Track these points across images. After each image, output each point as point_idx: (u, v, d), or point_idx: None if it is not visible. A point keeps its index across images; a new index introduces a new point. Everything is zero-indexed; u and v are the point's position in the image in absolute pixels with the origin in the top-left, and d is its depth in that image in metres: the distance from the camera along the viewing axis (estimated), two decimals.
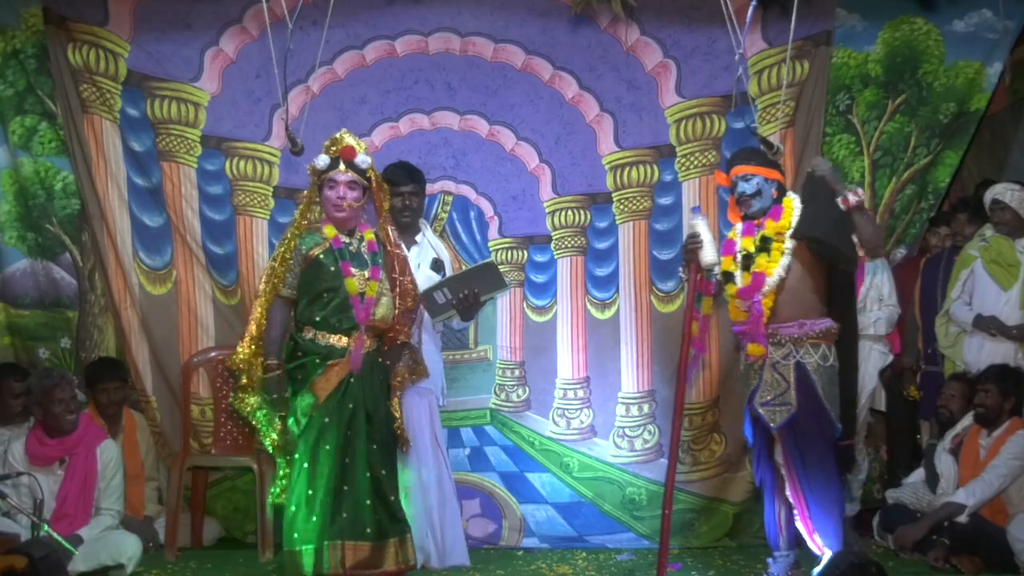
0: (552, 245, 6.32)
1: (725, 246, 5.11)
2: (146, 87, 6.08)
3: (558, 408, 6.28)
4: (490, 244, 6.32)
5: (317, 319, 4.77)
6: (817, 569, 4.91)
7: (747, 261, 4.99)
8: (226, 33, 6.09)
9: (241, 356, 4.86)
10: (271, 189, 6.25)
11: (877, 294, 6.23)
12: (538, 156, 6.26)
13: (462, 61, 6.15)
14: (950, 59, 6.10)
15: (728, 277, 5.05)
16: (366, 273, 4.80)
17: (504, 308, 6.34)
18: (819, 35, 6.02)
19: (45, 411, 5.29)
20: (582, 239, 6.31)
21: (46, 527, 5.01)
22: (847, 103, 6.18)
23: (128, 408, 6.11)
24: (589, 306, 6.30)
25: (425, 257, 5.47)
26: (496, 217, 6.31)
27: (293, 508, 4.69)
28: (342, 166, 4.82)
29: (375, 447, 4.77)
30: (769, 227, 4.95)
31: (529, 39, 6.12)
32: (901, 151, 6.20)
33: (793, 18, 5.26)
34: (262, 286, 4.86)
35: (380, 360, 4.88)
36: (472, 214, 6.32)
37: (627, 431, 6.24)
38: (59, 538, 5.00)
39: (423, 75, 6.17)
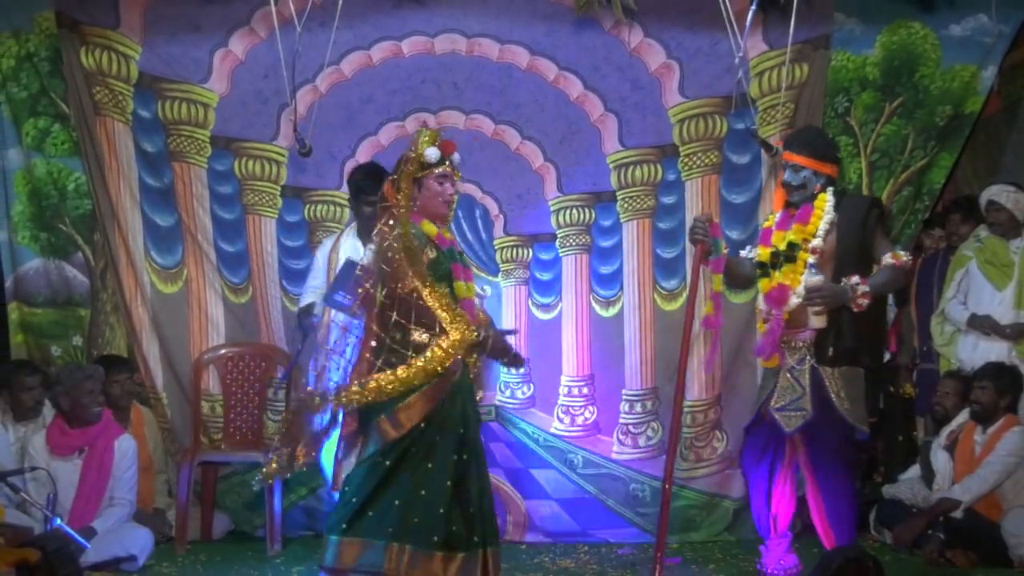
0: (557, 243, 6.37)
1: (762, 235, 5.08)
2: (157, 89, 6.15)
3: (562, 405, 6.34)
4: (495, 242, 6.38)
5: (421, 319, 4.39)
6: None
7: (775, 259, 4.95)
8: (235, 34, 6.14)
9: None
10: (279, 188, 6.31)
11: None
12: (543, 155, 6.30)
13: (468, 62, 6.19)
14: (946, 63, 6.13)
15: (763, 268, 5.00)
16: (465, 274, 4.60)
17: (509, 305, 6.40)
18: (818, 38, 6.06)
19: (73, 401, 5.41)
20: (586, 237, 6.36)
21: (58, 520, 5.12)
22: (845, 105, 6.22)
23: (135, 402, 6.18)
24: (593, 303, 6.35)
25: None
26: (501, 215, 6.37)
27: (354, 498, 4.34)
28: (448, 161, 4.55)
29: (465, 457, 4.41)
30: (796, 231, 4.89)
31: (534, 40, 6.16)
32: (898, 153, 6.24)
33: (792, 21, 5.32)
34: (414, 280, 4.34)
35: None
36: (477, 212, 6.37)
37: (631, 428, 6.30)
38: (71, 532, 5.11)
39: (429, 75, 6.21)
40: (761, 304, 5.04)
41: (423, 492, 4.30)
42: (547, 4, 6.11)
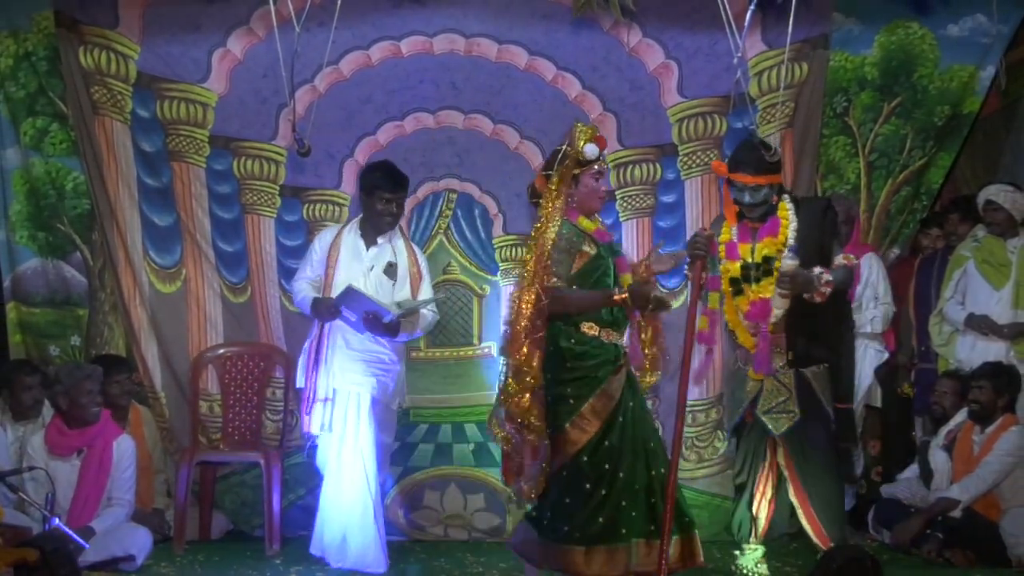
0: None
1: (728, 250, 5.13)
2: (156, 88, 6.15)
3: None
4: (494, 241, 6.39)
5: (604, 316, 4.58)
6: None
7: (746, 272, 5.05)
8: (233, 34, 6.14)
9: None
10: (278, 188, 6.31)
11: (873, 292, 6.30)
12: (542, 154, 6.28)
13: (466, 62, 6.20)
14: (944, 63, 6.16)
15: (735, 285, 5.09)
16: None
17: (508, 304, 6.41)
18: (817, 38, 6.08)
19: (72, 401, 5.40)
20: None
21: (56, 520, 5.12)
22: (844, 105, 6.25)
23: (134, 402, 6.17)
24: None
25: (381, 260, 5.53)
26: (500, 214, 6.37)
27: (568, 500, 4.49)
28: (602, 158, 4.70)
29: (652, 445, 4.59)
30: (769, 244, 5.00)
31: (532, 40, 6.16)
32: (896, 153, 6.26)
33: (791, 21, 5.33)
34: (529, 275, 4.48)
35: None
36: (476, 212, 6.38)
37: None
38: (70, 532, 5.11)
39: (428, 75, 6.21)
40: (746, 326, 5.10)
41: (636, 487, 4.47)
42: (545, 4, 6.11)
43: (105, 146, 6.14)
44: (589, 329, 4.57)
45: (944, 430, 6.00)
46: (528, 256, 4.54)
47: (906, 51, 6.18)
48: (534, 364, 4.47)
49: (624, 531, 4.46)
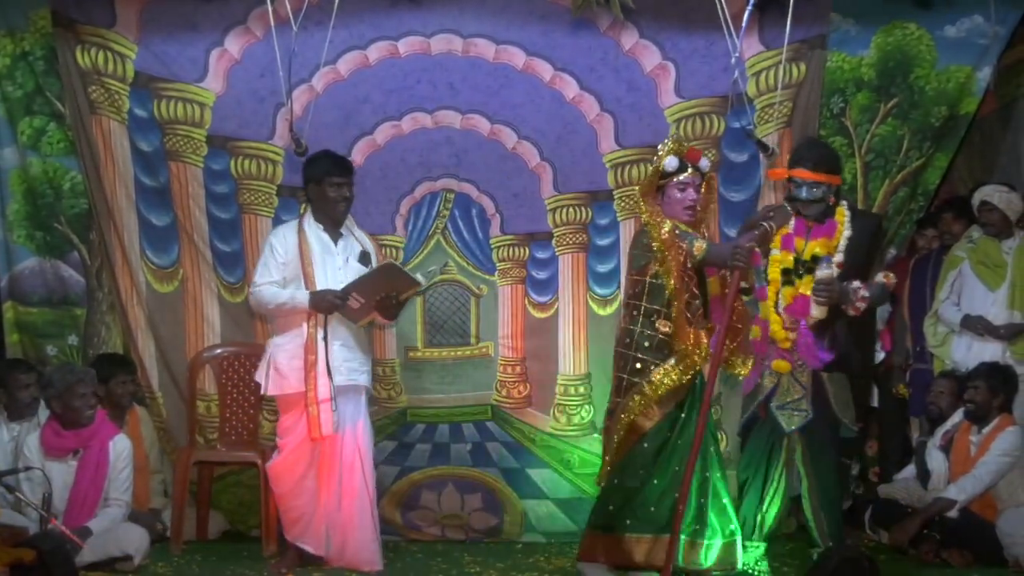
0: (553, 242, 6.36)
1: (784, 241, 5.17)
2: (153, 88, 6.13)
3: (559, 404, 6.34)
4: (492, 241, 6.38)
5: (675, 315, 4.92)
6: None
7: (798, 267, 5.12)
8: (231, 34, 6.12)
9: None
10: (275, 188, 6.29)
11: None
12: (539, 154, 6.30)
13: (464, 62, 6.19)
14: (942, 64, 6.16)
15: (787, 275, 5.14)
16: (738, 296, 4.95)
17: (506, 304, 6.40)
18: (815, 38, 6.07)
19: (65, 405, 5.39)
20: (583, 236, 6.36)
21: (54, 521, 5.11)
22: (841, 106, 6.24)
23: (132, 402, 6.18)
24: (590, 302, 6.34)
25: (352, 250, 5.48)
26: (498, 215, 6.37)
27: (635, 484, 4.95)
28: (690, 169, 5.01)
29: (711, 449, 4.99)
30: (821, 244, 5.08)
31: (530, 41, 6.16)
32: (893, 154, 6.26)
33: (788, 21, 5.34)
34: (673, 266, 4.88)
35: None
36: (474, 212, 6.37)
37: None
38: (67, 532, 5.11)
39: (425, 75, 6.20)
40: (784, 318, 5.14)
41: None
42: (543, 5, 6.11)
43: (102, 146, 6.13)
44: (663, 326, 4.95)
45: (941, 430, 6.01)
46: (657, 249, 4.92)
47: (903, 52, 6.17)
48: (703, 341, 4.90)
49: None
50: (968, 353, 6.15)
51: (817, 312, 5.00)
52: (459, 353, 6.38)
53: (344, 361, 5.39)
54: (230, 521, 6.37)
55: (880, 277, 5.12)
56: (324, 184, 5.42)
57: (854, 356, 5.16)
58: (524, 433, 6.33)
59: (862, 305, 4.96)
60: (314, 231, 5.45)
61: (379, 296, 5.29)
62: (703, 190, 5.11)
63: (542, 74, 6.22)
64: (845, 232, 5.08)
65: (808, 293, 5.02)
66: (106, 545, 5.33)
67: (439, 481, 6.33)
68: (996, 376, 5.81)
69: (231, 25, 6.13)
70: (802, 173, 5.10)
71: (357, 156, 6.19)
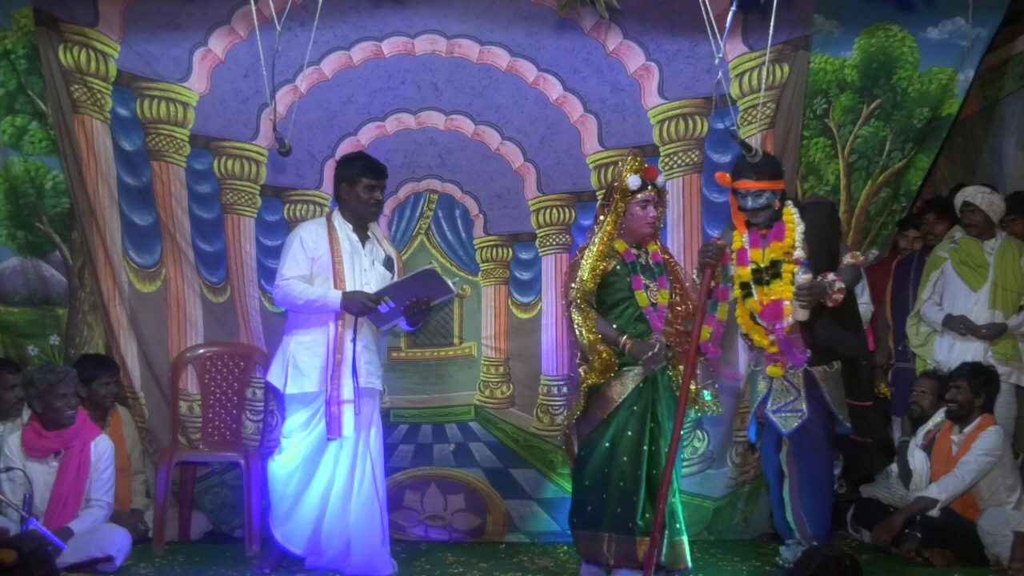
0: (537, 243, 6.38)
1: (739, 256, 5.22)
2: (136, 87, 6.12)
3: (542, 404, 6.34)
4: (475, 242, 6.39)
5: (623, 327, 5.18)
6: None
7: (758, 276, 5.15)
8: (215, 34, 6.12)
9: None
10: (258, 188, 6.28)
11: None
12: (523, 155, 6.31)
13: (448, 62, 6.19)
14: (924, 65, 6.20)
15: (746, 289, 5.18)
16: (654, 284, 5.11)
17: (489, 305, 6.41)
18: (798, 40, 6.10)
19: (46, 405, 5.37)
20: (567, 237, 6.37)
21: (34, 521, 5.09)
22: (824, 107, 6.28)
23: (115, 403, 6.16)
24: None
25: (378, 255, 5.49)
26: (481, 215, 6.38)
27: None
28: (650, 187, 5.22)
29: (655, 449, 5.08)
30: (776, 248, 5.11)
31: (514, 42, 6.17)
32: (876, 154, 6.30)
33: (772, 23, 5.35)
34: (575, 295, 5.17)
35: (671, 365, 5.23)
36: (457, 212, 6.38)
37: None
38: (48, 533, 5.09)
39: (409, 76, 6.21)
40: (764, 325, 5.16)
41: (621, 483, 5.04)
42: (527, 5, 6.12)
43: (85, 145, 6.11)
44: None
45: (923, 430, 6.04)
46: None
47: (886, 53, 6.21)
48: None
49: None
50: (950, 353, 6.18)
51: (802, 316, 5.03)
52: (442, 354, 6.38)
53: (366, 363, 5.34)
54: (213, 522, 6.35)
55: (848, 258, 5.19)
56: (357, 186, 5.40)
57: (847, 340, 5.21)
58: (507, 433, 6.34)
59: (840, 296, 5.04)
60: (344, 230, 5.42)
61: (410, 301, 5.25)
62: (662, 204, 5.36)
63: (526, 75, 6.23)
64: (798, 228, 5.11)
65: (780, 298, 5.06)
66: (88, 546, 5.32)
67: (422, 481, 6.33)
68: (978, 376, 5.83)
69: (215, 25, 6.12)
70: (745, 184, 5.16)
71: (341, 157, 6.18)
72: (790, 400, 5.14)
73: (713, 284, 5.10)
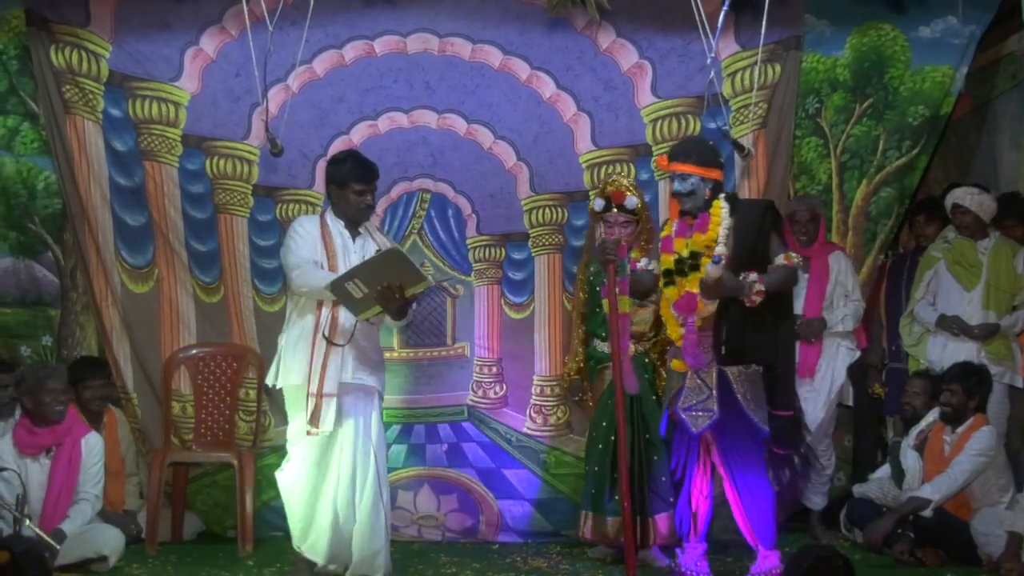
0: (530, 243, 6.37)
1: (664, 244, 5.13)
2: (127, 87, 6.11)
3: (535, 404, 6.35)
4: (468, 242, 6.39)
5: (595, 330, 5.80)
6: (755, 566, 5.02)
7: (679, 265, 5.03)
8: (206, 33, 6.11)
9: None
10: (251, 187, 6.28)
11: (843, 290, 6.26)
12: (516, 155, 6.31)
13: (440, 61, 6.19)
14: (916, 64, 6.19)
15: (668, 276, 5.07)
16: (616, 290, 5.19)
17: (482, 305, 6.41)
18: (789, 39, 6.09)
19: (35, 401, 5.37)
20: (559, 236, 6.37)
21: (28, 523, 5.09)
22: (816, 107, 6.27)
23: (108, 405, 6.14)
24: (566, 303, 6.31)
25: (368, 249, 5.32)
26: (474, 215, 6.37)
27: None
28: (615, 208, 5.54)
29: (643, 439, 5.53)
30: (697, 241, 4.97)
31: (506, 40, 6.16)
32: (869, 154, 6.29)
33: (764, 22, 5.35)
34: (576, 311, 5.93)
35: (647, 361, 5.70)
36: (450, 212, 6.38)
37: None
38: (42, 534, 5.08)
39: (402, 74, 6.20)
40: (675, 316, 5.06)
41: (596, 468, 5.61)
42: (519, 4, 6.11)
43: (77, 145, 6.10)
44: (593, 340, 5.88)
45: (915, 430, 6.03)
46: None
47: (878, 52, 6.20)
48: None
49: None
50: (943, 353, 6.17)
51: (710, 306, 4.91)
52: (435, 354, 6.38)
53: (354, 359, 5.16)
54: (205, 522, 6.35)
55: (781, 259, 4.93)
56: (347, 190, 5.24)
57: (759, 344, 4.96)
58: (500, 434, 6.34)
59: (758, 298, 4.81)
60: (336, 226, 5.29)
61: (381, 286, 4.96)
62: (640, 221, 5.64)
63: (519, 73, 6.22)
64: (723, 223, 4.96)
65: (695, 292, 4.93)
66: (81, 546, 5.31)
67: (415, 481, 6.33)
68: (971, 378, 5.81)
69: (206, 24, 6.11)
70: (674, 166, 5.06)
71: None
72: (702, 399, 4.97)
73: (616, 278, 5.10)
